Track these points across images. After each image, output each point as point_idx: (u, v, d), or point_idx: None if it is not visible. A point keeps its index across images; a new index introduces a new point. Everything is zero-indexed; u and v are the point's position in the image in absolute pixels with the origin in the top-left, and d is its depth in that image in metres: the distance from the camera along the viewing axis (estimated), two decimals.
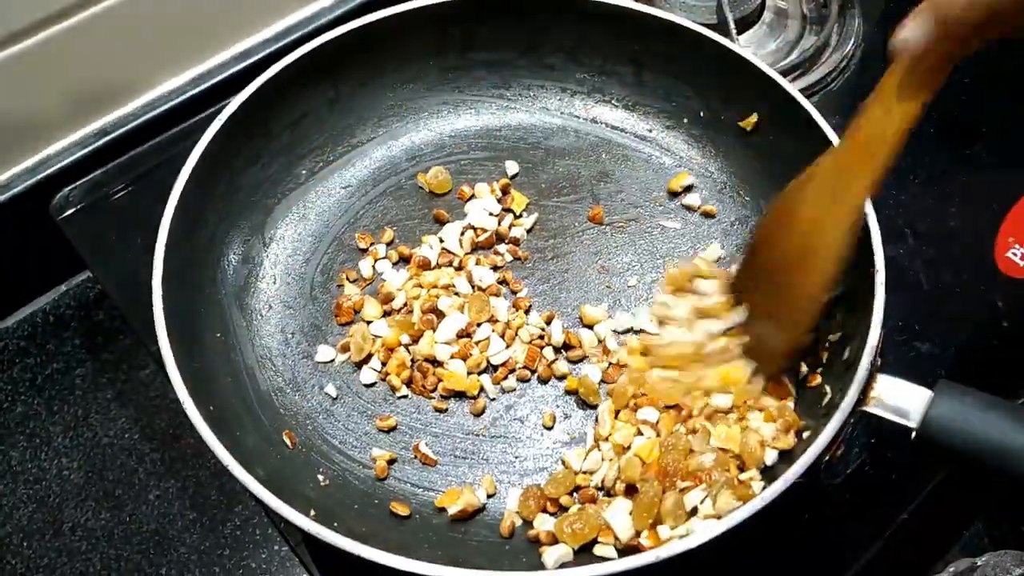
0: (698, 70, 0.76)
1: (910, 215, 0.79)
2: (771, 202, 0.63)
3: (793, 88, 0.70)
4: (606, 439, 0.64)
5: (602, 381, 0.68)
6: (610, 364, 0.69)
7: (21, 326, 0.80)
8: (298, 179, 0.77)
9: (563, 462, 0.65)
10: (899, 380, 0.56)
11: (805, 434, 0.60)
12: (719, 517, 0.55)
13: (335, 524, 0.55)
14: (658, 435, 0.63)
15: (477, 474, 0.65)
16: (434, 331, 0.69)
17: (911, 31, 0.47)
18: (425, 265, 0.73)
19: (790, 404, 0.63)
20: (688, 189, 0.77)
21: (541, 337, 0.70)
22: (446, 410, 0.68)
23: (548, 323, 0.71)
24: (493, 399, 0.68)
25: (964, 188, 0.81)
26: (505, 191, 0.77)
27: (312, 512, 0.55)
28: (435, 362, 0.69)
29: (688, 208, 0.77)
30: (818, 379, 0.63)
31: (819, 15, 0.91)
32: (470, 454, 0.66)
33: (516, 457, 0.66)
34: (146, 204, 0.69)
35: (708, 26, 0.75)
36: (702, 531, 0.53)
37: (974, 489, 0.67)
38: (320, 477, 0.63)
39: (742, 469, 0.60)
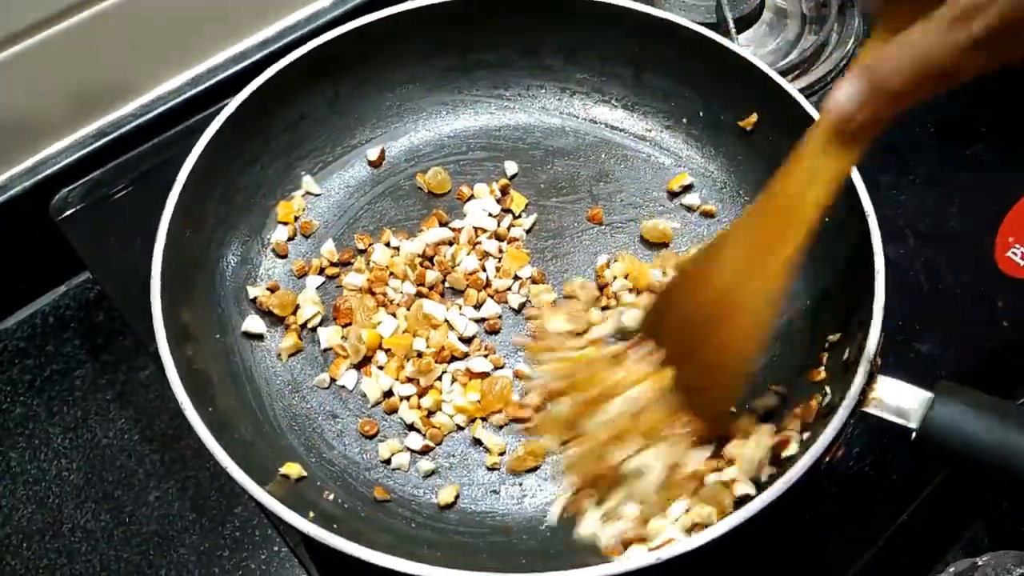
0: (697, 70, 0.76)
1: (910, 215, 0.79)
2: (681, 263, 0.59)
3: (793, 88, 0.70)
4: None
5: None
6: None
7: (21, 327, 0.80)
8: (297, 180, 0.77)
9: None
10: (899, 381, 0.56)
11: (805, 435, 0.60)
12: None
13: (334, 526, 0.55)
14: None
15: (476, 475, 0.65)
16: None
17: (844, 92, 0.44)
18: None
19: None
20: (687, 189, 0.77)
21: None
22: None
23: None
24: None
25: (964, 188, 0.81)
26: (504, 191, 0.77)
27: (311, 514, 0.55)
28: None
29: (687, 208, 0.76)
30: (821, 374, 0.63)
31: (819, 14, 0.91)
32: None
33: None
34: (145, 205, 0.68)
35: (707, 25, 0.75)
36: (703, 532, 0.53)
37: (974, 490, 0.67)
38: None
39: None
